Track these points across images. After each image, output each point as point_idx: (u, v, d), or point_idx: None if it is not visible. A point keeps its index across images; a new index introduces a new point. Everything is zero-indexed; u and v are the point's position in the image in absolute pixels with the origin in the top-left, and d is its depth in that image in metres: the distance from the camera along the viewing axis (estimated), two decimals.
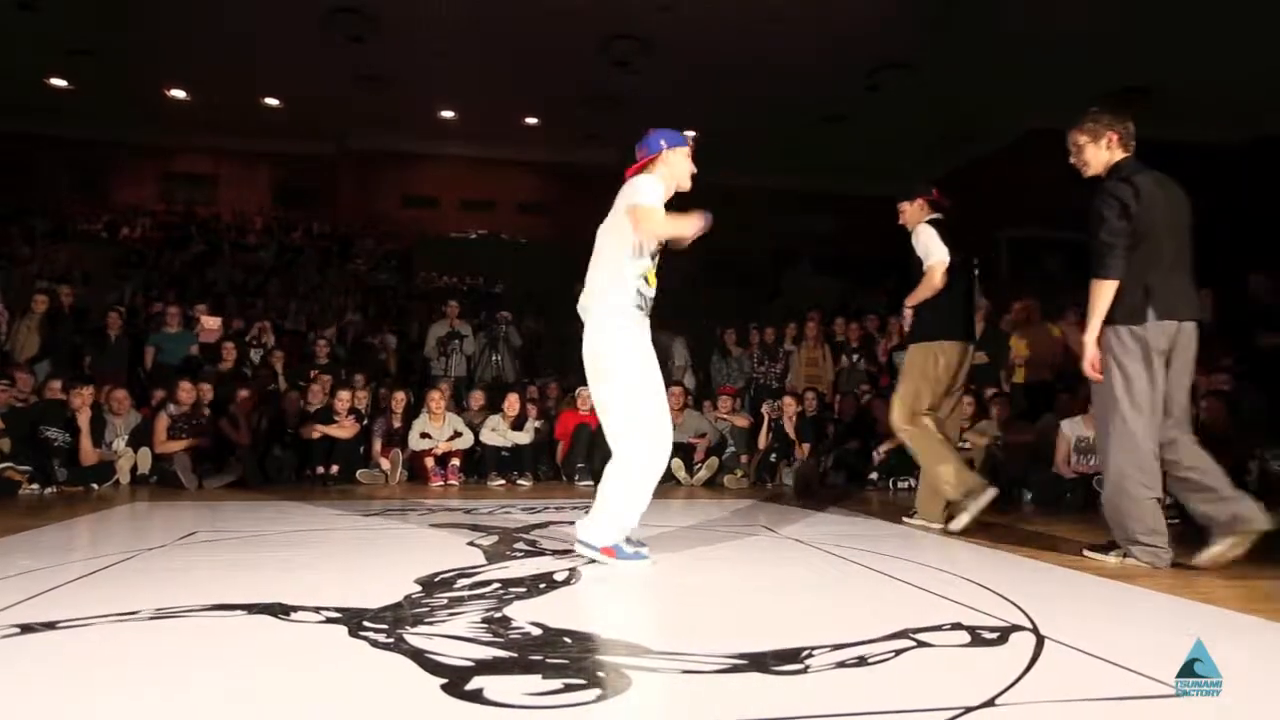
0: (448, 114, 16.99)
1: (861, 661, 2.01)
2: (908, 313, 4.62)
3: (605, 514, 3.24)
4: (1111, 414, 3.39)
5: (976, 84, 13.80)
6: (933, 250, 4.43)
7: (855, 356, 9.07)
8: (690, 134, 3.54)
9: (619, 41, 12.86)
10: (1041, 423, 6.78)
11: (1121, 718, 1.72)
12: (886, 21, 12.03)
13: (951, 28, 11.99)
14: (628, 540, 3.28)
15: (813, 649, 2.08)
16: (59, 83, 15.19)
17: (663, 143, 3.40)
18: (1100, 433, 3.53)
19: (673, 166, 3.40)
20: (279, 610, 2.45)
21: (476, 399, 8.10)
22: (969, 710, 1.70)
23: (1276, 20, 11.09)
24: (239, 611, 2.44)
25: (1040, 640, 2.20)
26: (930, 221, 4.56)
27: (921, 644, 2.17)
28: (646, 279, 3.31)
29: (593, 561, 3.25)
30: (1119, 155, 3.53)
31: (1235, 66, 12.55)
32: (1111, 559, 3.46)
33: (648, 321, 3.34)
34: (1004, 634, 2.26)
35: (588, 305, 3.33)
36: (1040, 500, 6.10)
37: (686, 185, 3.44)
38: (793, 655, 2.03)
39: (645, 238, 3.24)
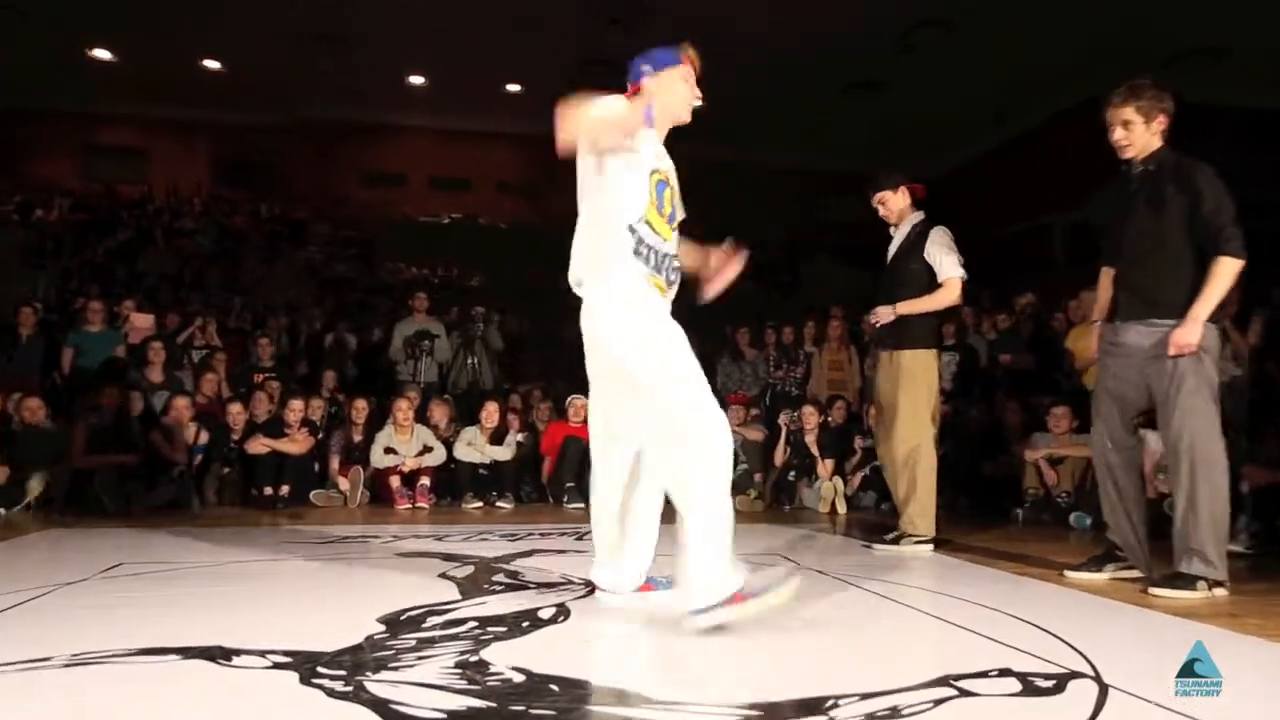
0: (416, 79, 17.01)
1: (894, 713, 2.00)
2: (886, 314, 4.84)
3: (703, 558, 2.72)
4: (1207, 419, 3.51)
5: (1026, 44, 13.79)
6: (948, 264, 4.73)
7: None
8: (688, 49, 3.09)
9: None
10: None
11: None
12: None
13: None
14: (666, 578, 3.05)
15: (838, 698, 2.07)
16: None
17: (645, 68, 3.00)
18: (1183, 441, 3.54)
19: (664, 94, 3.00)
20: (218, 654, 2.43)
21: (448, 409, 8.09)
22: None
23: None
24: (172, 656, 2.42)
25: (1104, 689, 2.19)
26: (930, 219, 4.90)
27: (965, 693, 2.16)
28: (650, 224, 2.92)
29: (720, 627, 2.70)
30: (1158, 144, 3.71)
31: None
32: (1197, 593, 3.47)
33: (664, 282, 2.98)
34: (1061, 682, 2.25)
35: (579, 276, 2.96)
36: (1101, 526, 6.09)
37: (686, 116, 3.07)
38: (815, 706, 2.02)
39: (567, 144, 2.85)
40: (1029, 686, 2.22)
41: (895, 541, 4.81)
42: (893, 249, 5.00)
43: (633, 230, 2.87)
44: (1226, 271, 3.47)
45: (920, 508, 4.82)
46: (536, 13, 13.46)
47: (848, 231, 18.69)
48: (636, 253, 2.88)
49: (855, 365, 9.17)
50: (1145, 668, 2.40)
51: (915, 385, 4.80)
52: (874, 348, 5.17)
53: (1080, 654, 2.52)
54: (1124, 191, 3.84)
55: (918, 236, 4.87)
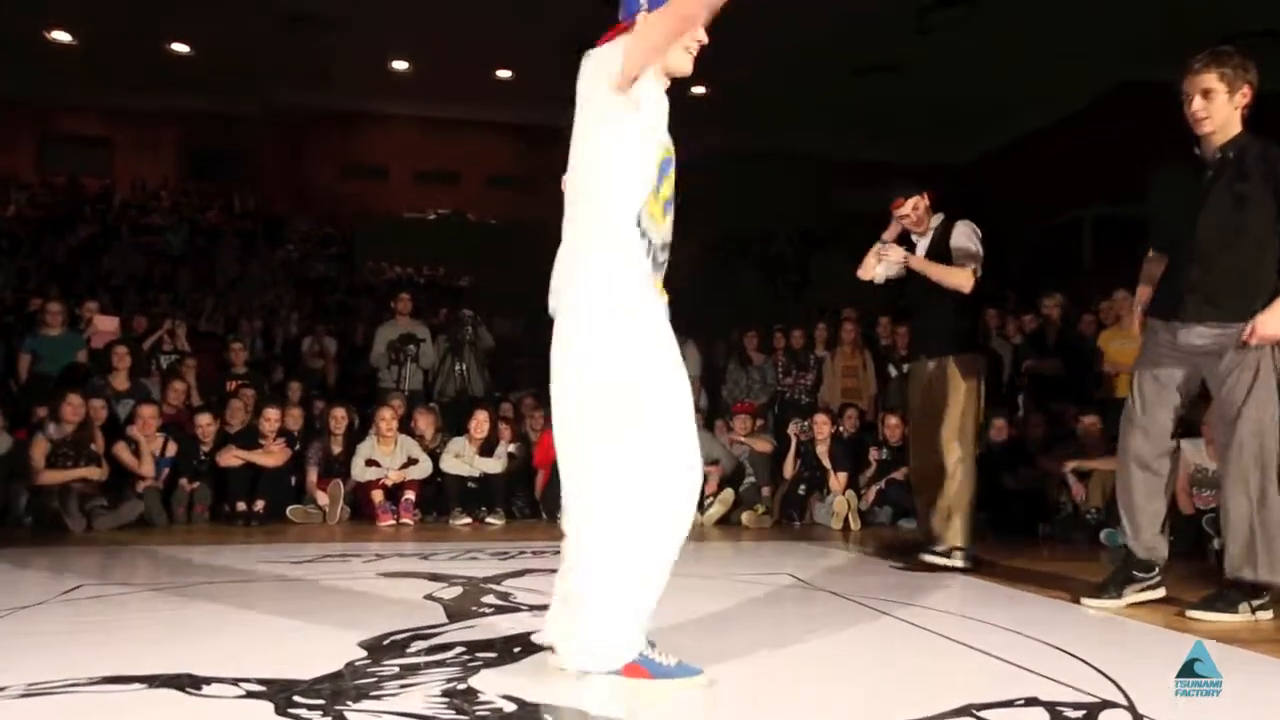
0: (400, 65, 17.02)
1: None
2: (897, 254, 4.94)
3: (599, 613, 2.47)
4: (1268, 424, 3.49)
5: (1055, 24, 13.79)
6: (976, 254, 4.91)
7: (905, 366, 9.06)
8: None
9: None
10: None
11: None
12: None
13: None
14: (651, 644, 2.54)
15: None
16: None
17: (643, 1, 2.61)
18: (1247, 448, 3.52)
19: None
20: (187, 683, 2.43)
21: (434, 418, 8.08)
22: None
23: None
24: (137, 685, 2.42)
25: None
26: (952, 216, 5.09)
27: None
28: (650, 214, 2.61)
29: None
30: (1238, 124, 3.58)
31: None
32: (1239, 616, 3.46)
33: (661, 283, 2.68)
34: (1092, 712, 2.25)
35: (558, 286, 2.61)
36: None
37: (686, 67, 2.70)
38: None
39: (649, 52, 2.51)
40: (1057, 717, 2.22)
41: (947, 554, 4.87)
42: (920, 254, 5.07)
43: (645, 237, 2.58)
44: None
45: (967, 521, 4.90)
46: None
47: (862, 222, 18.65)
48: (639, 249, 2.58)
49: (870, 371, 9.17)
50: (1183, 698, 2.39)
51: (967, 392, 4.90)
52: (919, 355, 5.22)
53: (1113, 682, 2.52)
54: (1196, 179, 3.68)
55: (943, 236, 5.01)
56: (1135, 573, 3.85)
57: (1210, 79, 3.52)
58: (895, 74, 15.80)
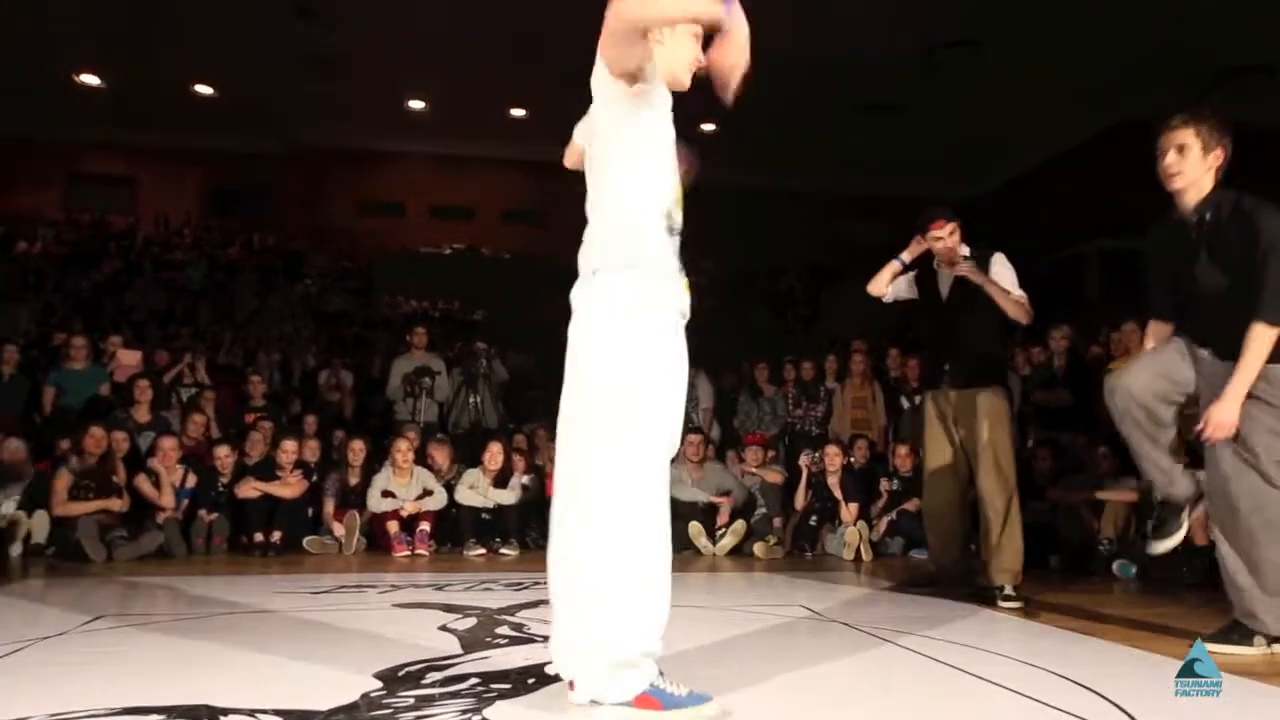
0: (416, 104, 17.14)
1: None
2: (968, 268, 4.73)
3: (605, 617, 2.43)
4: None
5: (1057, 63, 13.84)
6: (1015, 287, 4.75)
7: (918, 398, 9.02)
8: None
9: None
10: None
11: None
12: None
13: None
14: (660, 673, 2.48)
15: None
16: None
17: None
18: (1244, 499, 3.43)
19: (666, 47, 2.57)
20: (205, 714, 2.42)
21: (448, 450, 8.07)
22: None
23: None
24: (155, 716, 2.41)
25: None
26: (984, 248, 4.94)
27: None
28: (678, 203, 2.62)
29: None
30: (1210, 183, 3.56)
31: None
32: (1254, 649, 3.40)
33: (684, 283, 2.62)
34: None
35: (597, 263, 2.56)
36: (1147, 576, 6.03)
37: (685, 81, 2.64)
38: None
39: (608, 39, 2.44)
40: None
41: (1006, 597, 4.63)
42: (947, 282, 4.96)
43: (669, 216, 2.56)
44: (1261, 339, 3.32)
45: (1019, 561, 4.71)
46: (539, 30, 13.51)
47: (871, 256, 18.64)
48: (665, 244, 2.56)
49: (880, 403, 9.14)
50: None
51: (1004, 425, 4.74)
52: (939, 385, 4.97)
53: (1128, 715, 2.48)
54: (1183, 240, 3.64)
55: (981, 264, 4.83)
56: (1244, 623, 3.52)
57: (1186, 135, 3.52)
58: (900, 112, 15.86)
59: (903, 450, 7.87)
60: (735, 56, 2.49)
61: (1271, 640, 3.42)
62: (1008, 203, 18.05)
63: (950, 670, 3.10)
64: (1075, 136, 16.15)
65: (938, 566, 5.14)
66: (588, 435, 2.47)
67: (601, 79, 2.53)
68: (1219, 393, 3.41)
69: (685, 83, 2.63)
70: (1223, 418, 3.35)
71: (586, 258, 2.58)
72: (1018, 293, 4.73)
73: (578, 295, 2.56)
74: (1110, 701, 2.60)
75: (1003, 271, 4.78)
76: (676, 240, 2.60)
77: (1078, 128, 15.87)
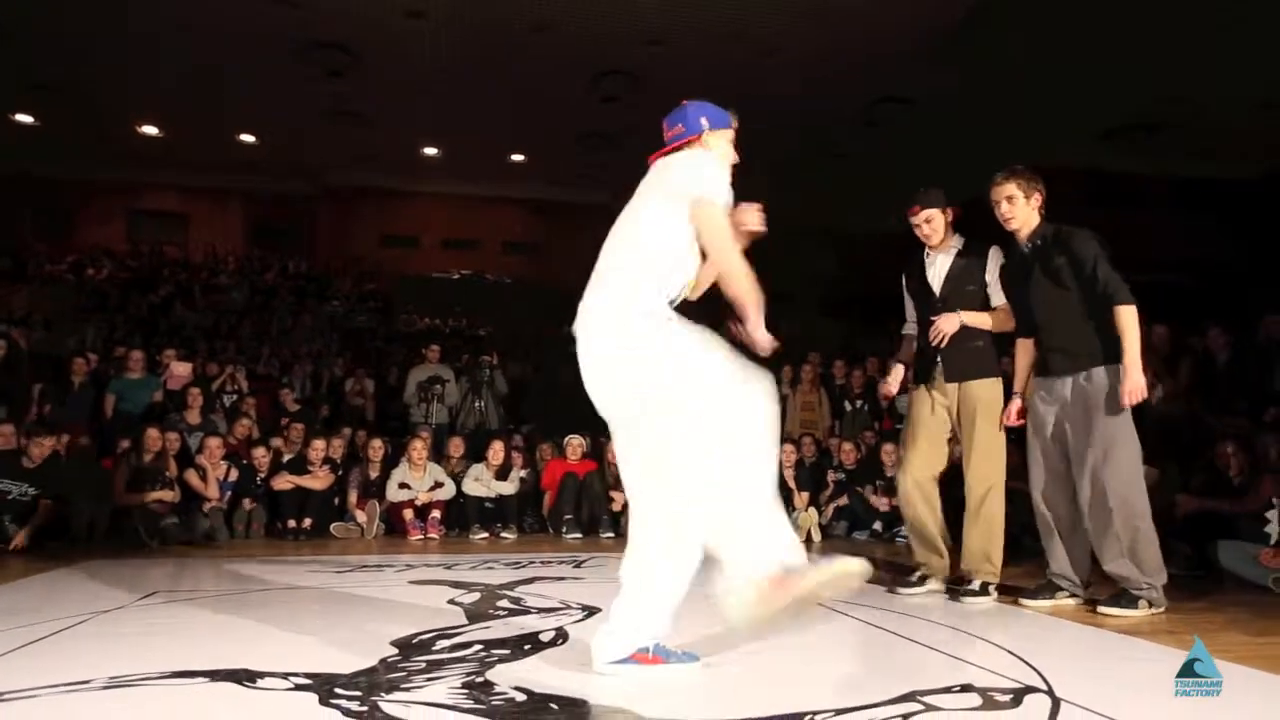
0: (430, 150, 17.12)
1: None
2: (952, 324, 4.06)
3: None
4: (1130, 446, 3.52)
5: (975, 120, 13.97)
6: (1002, 293, 4.11)
7: (859, 403, 9.05)
8: (732, 117, 2.74)
9: (608, 77, 13.02)
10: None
11: None
12: (883, 58, 12.22)
13: (955, 61, 12.16)
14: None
15: (814, 714, 2.05)
16: (24, 118, 15.24)
17: (704, 121, 2.62)
18: (1108, 468, 3.52)
19: (719, 151, 2.66)
20: (244, 677, 2.40)
21: (458, 447, 8.04)
22: None
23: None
24: (200, 679, 2.39)
25: (1056, 702, 2.17)
26: (980, 240, 4.22)
27: (929, 707, 2.14)
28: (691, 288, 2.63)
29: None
30: (1037, 219, 3.80)
31: (1243, 99, 12.76)
32: (1139, 611, 3.48)
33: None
34: (1017, 696, 2.23)
35: (601, 316, 2.47)
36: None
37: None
38: None
39: (702, 255, 2.53)
40: (988, 701, 2.20)
41: (984, 592, 3.99)
42: (939, 273, 4.21)
43: (681, 290, 2.58)
44: (1130, 318, 3.48)
45: (997, 551, 4.06)
46: (537, 86, 13.57)
47: (825, 283, 18.57)
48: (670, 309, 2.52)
49: (825, 407, 9.16)
50: (1095, 681, 2.39)
51: (994, 416, 4.06)
52: (937, 377, 4.18)
53: (1035, 670, 2.50)
54: (1020, 268, 3.87)
55: (974, 258, 4.17)
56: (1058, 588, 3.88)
57: (1010, 187, 3.78)
58: (846, 159, 15.91)
59: (846, 446, 7.90)
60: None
61: (1152, 602, 3.51)
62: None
63: (890, 635, 3.11)
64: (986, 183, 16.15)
65: (923, 572, 4.27)
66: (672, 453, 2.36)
67: (678, 184, 2.52)
68: (1083, 406, 3.61)
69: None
70: (1134, 385, 3.43)
71: (599, 305, 2.47)
72: (998, 301, 4.09)
73: (600, 338, 2.46)
74: (1022, 660, 2.62)
75: (995, 266, 4.12)
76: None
77: (985, 175, 15.83)
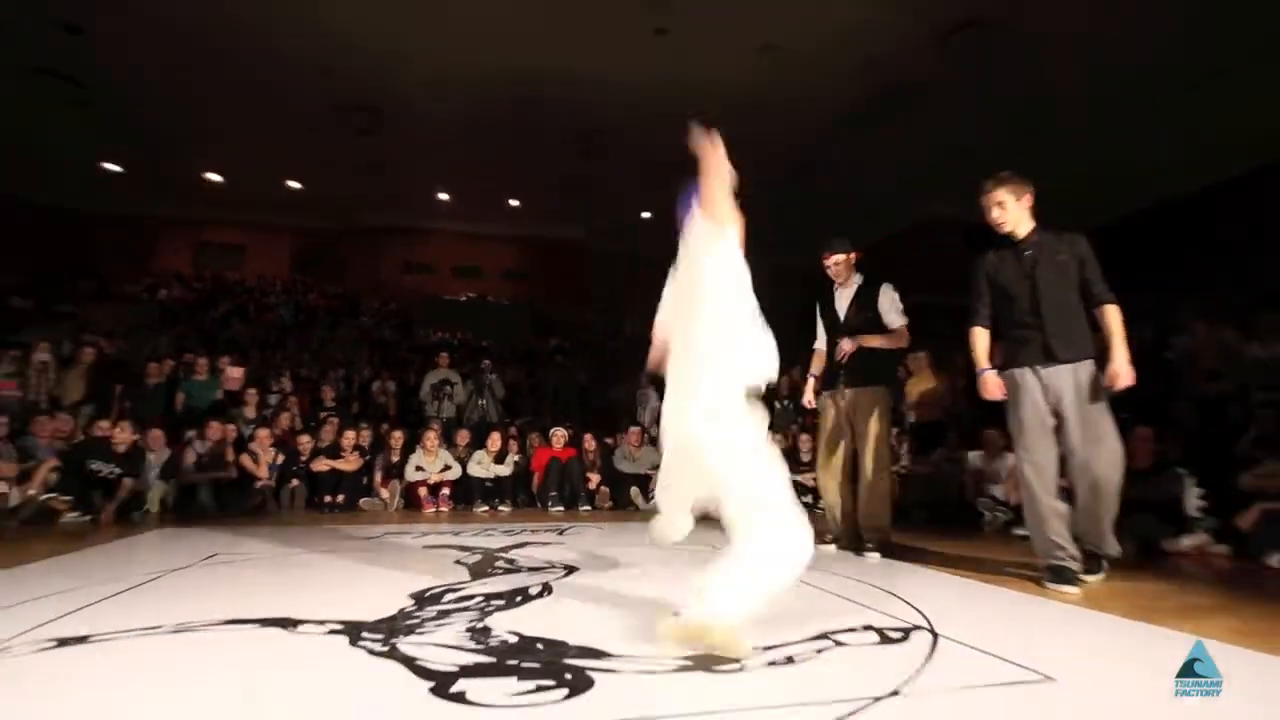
0: (443, 196, 17.04)
1: (789, 660, 2.01)
2: (850, 346, 4.18)
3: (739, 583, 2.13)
4: (1114, 431, 3.21)
5: (884, 180, 14.05)
6: (897, 315, 4.20)
7: (785, 402, 9.12)
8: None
9: (590, 137, 13.04)
10: (935, 456, 6.83)
11: (1002, 700, 1.73)
12: (803, 132, 12.31)
13: (861, 125, 12.19)
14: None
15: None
16: (111, 167, 15.03)
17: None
18: (1093, 469, 3.22)
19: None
20: (287, 623, 2.39)
21: (464, 437, 8.00)
22: (878, 699, 1.70)
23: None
24: (252, 625, 2.37)
25: (935, 638, 2.21)
26: (875, 277, 4.31)
27: (838, 644, 2.17)
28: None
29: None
30: (1031, 221, 3.40)
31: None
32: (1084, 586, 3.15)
33: None
34: (906, 633, 2.27)
35: (698, 382, 2.27)
36: (936, 522, 6.07)
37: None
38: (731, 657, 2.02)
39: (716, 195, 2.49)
40: (884, 637, 2.24)
41: (878, 550, 4.06)
42: (844, 303, 4.34)
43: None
44: (1115, 314, 3.21)
45: (886, 519, 4.13)
46: (530, 149, 13.61)
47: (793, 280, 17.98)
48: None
49: None
50: (968, 623, 2.43)
51: (882, 419, 4.13)
52: (840, 385, 4.25)
53: (921, 613, 2.54)
54: (1017, 268, 3.40)
55: (872, 292, 4.27)
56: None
57: (1001, 194, 3.37)
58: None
59: (777, 437, 7.95)
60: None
61: (1088, 570, 3.28)
62: (907, 245, 15.54)
63: (807, 587, 3.11)
64: (901, 222, 15.43)
65: (833, 535, 4.36)
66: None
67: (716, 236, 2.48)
68: (1075, 393, 3.23)
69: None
70: (1123, 370, 3.09)
71: (698, 367, 2.30)
72: (897, 322, 4.18)
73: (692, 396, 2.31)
74: (910, 604, 2.66)
75: (885, 302, 4.21)
76: None
77: (902, 216, 15.50)
